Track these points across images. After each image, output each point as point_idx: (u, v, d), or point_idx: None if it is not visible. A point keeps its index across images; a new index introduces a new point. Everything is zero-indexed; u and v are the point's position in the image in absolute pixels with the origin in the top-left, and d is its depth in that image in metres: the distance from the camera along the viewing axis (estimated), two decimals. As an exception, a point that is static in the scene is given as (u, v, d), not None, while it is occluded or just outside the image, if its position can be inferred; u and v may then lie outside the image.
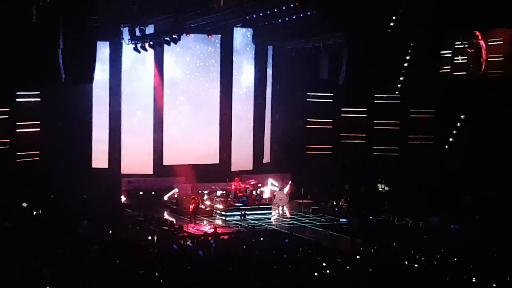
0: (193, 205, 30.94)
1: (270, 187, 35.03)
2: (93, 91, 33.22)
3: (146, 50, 32.57)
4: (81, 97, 32.71)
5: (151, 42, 32.31)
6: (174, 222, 30.02)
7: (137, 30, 32.04)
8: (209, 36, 34.93)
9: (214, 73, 36.38)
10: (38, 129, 32.20)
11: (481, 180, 33.70)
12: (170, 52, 35.08)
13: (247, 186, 33.84)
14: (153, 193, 34.49)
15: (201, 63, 36.15)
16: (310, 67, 36.85)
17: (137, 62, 34.73)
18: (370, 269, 21.15)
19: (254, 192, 33.71)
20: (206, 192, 34.10)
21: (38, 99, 32.19)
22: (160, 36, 31.90)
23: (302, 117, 37.83)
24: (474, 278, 20.42)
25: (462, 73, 35.24)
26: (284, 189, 34.77)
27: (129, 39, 32.63)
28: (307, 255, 23.43)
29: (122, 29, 32.70)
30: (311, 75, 37.20)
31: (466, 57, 34.84)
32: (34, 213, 29.16)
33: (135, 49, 32.56)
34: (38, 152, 32.13)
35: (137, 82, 35.12)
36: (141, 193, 34.32)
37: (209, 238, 26.36)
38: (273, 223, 31.66)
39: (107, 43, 32.88)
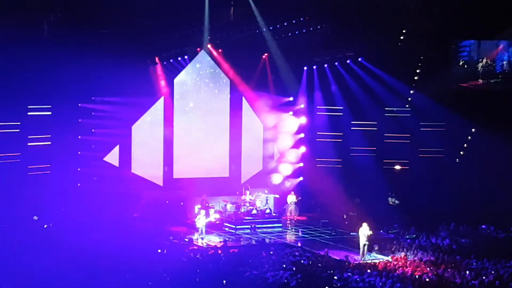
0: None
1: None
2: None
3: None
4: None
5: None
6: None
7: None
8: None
9: (225, 85, 36.43)
10: (49, 142, 32.40)
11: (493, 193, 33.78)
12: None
13: (257, 199, 33.93)
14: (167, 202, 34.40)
15: (211, 78, 36.19)
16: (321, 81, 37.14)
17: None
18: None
19: (263, 205, 33.84)
20: (216, 205, 34.11)
21: (49, 113, 32.38)
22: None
23: (313, 130, 37.77)
24: None
25: (473, 84, 35.37)
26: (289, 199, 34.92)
27: None
28: (318, 268, 23.39)
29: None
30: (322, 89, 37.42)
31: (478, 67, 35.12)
32: (45, 226, 29.29)
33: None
34: (48, 165, 32.30)
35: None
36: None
37: (219, 251, 26.38)
38: (283, 236, 31.61)
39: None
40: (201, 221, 29.73)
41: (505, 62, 35.76)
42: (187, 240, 28.75)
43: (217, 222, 32.43)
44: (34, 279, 20.46)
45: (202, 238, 29.25)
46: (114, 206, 31.88)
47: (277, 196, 35.46)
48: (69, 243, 25.48)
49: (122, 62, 31.08)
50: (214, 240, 29.70)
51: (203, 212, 30.69)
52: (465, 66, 35.91)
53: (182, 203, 34.21)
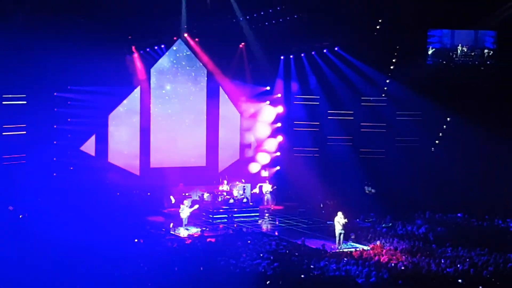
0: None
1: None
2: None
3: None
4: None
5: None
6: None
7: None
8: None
9: (202, 74, 36.34)
10: (25, 132, 32.17)
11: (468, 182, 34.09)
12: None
13: (234, 188, 34.01)
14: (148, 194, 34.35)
15: (188, 67, 36.11)
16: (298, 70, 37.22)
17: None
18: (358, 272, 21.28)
19: (239, 194, 33.92)
20: (193, 194, 34.11)
21: (24, 102, 32.13)
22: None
23: (290, 119, 37.84)
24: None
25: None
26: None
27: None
28: (294, 257, 23.49)
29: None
30: (299, 78, 37.50)
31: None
32: (20, 216, 29.11)
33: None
34: (24, 155, 32.08)
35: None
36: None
37: (196, 241, 26.40)
38: (260, 225, 31.69)
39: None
40: (185, 212, 29.69)
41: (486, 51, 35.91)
42: (164, 229, 28.74)
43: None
44: (8, 270, 20.32)
45: (187, 229, 29.21)
46: (90, 196, 31.74)
47: (256, 191, 35.51)
48: (44, 233, 25.36)
49: (98, 51, 30.89)
50: (192, 230, 29.65)
51: (186, 202, 30.68)
52: (439, 53, 35.98)
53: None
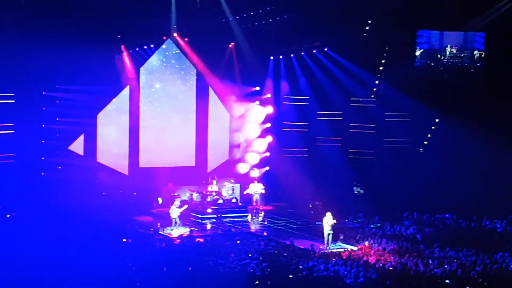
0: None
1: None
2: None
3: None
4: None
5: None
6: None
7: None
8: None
9: (192, 72, 36.31)
10: (13, 131, 32.06)
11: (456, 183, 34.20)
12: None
13: (223, 188, 34.05)
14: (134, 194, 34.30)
15: (177, 65, 36.08)
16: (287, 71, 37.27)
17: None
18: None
19: (229, 194, 33.96)
20: (182, 194, 34.08)
21: (13, 101, 32.02)
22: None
23: (279, 119, 37.86)
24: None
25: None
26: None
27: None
28: (283, 257, 23.52)
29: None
30: (288, 79, 37.54)
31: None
32: (8, 215, 29.03)
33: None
34: (12, 154, 31.98)
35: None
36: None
37: (185, 241, 26.38)
38: (249, 226, 31.70)
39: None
40: (175, 212, 29.66)
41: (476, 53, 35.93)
42: (152, 229, 28.71)
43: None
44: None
45: (176, 229, 29.17)
46: (78, 195, 31.66)
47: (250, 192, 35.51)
48: (32, 233, 25.29)
49: (87, 50, 30.77)
50: (181, 230, 29.62)
51: (177, 203, 30.67)
52: (428, 54, 36.00)
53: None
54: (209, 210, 32.00)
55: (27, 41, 29.76)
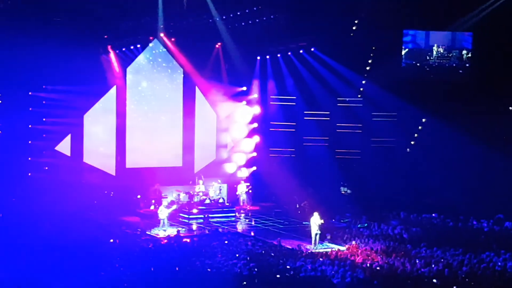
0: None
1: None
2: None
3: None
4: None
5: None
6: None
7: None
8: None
9: (178, 71, 36.24)
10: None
11: (443, 182, 34.33)
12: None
13: (210, 188, 34.05)
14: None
15: (164, 63, 36.02)
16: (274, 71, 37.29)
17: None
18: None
19: (216, 194, 33.96)
20: (169, 195, 34.04)
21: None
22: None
23: (266, 119, 37.85)
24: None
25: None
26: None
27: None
28: (270, 257, 23.52)
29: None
30: (275, 79, 37.56)
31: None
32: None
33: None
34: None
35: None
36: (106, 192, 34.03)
37: (172, 241, 26.33)
38: (237, 226, 31.69)
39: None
40: (163, 213, 29.62)
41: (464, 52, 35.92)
42: (139, 230, 28.66)
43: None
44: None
45: (164, 230, 29.14)
46: (65, 196, 31.55)
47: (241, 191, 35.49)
48: (18, 234, 25.18)
49: (74, 51, 30.70)
50: (169, 230, 29.57)
51: (165, 203, 30.59)
52: (414, 54, 35.99)
53: (139, 196, 33.96)
54: (194, 211, 31.97)
55: (13, 41, 29.60)
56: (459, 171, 34.84)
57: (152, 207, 32.80)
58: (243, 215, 33.74)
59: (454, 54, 35.70)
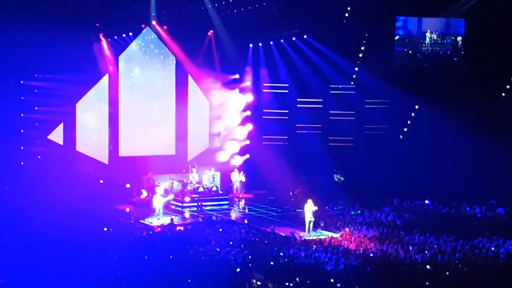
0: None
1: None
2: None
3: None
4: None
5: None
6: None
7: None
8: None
9: (171, 57, 36.15)
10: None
11: (436, 169, 34.41)
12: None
13: (203, 176, 34.04)
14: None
15: (156, 50, 35.91)
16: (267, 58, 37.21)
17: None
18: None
19: (209, 182, 33.96)
20: (162, 183, 34.02)
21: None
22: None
23: (259, 107, 37.82)
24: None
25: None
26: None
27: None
28: (264, 245, 23.56)
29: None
30: (268, 66, 37.50)
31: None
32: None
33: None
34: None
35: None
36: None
37: (166, 229, 26.35)
38: (230, 214, 31.71)
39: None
40: (158, 201, 29.61)
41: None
42: (133, 219, 28.66)
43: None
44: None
45: (158, 219, 29.14)
46: (58, 185, 31.51)
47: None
48: (11, 223, 25.14)
49: (66, 39, 30.58)
50: (163, 219, 29.58)
51: (160, 191, 30.56)
52: (406, 40, 35.85)
53: (128, 185, 33.91)
54: (187, 199, 31.96)
55: (4, 30, 29.44)
56: (452, 158, 34.92)
57: (143, 195, 32.73)
58: (242, 201, 33.71)
59: (448, 40, 35.55)
